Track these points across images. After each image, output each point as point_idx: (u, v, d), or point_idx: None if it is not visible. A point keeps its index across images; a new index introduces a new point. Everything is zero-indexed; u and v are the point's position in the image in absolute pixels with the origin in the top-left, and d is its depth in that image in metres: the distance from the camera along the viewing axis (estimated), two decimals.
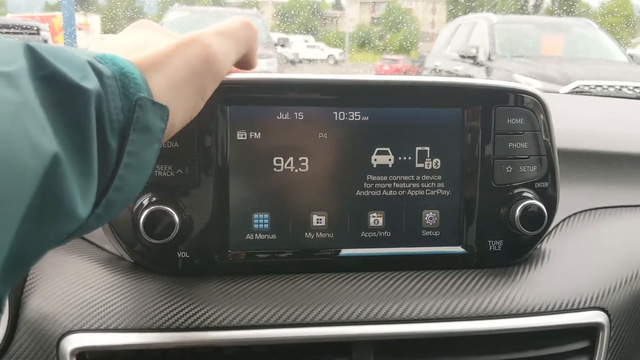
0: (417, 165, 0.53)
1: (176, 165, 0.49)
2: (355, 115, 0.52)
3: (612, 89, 3.69)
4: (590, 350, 0.53)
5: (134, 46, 0.38)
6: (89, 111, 0.29)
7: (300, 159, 0.51)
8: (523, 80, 3.94)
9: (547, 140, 0.54)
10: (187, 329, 0.46)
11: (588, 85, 3.72)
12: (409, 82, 0.53)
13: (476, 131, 0.53)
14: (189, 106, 0.39)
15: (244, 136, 0.50)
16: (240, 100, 0.50)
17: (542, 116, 0.54)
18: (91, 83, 0.29)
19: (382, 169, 0.53)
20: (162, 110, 0.34)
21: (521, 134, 0.53)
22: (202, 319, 0.46)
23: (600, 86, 3.70)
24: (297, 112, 0.51)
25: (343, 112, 0.51)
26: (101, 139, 0.30)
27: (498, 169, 0.53)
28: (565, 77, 3.86)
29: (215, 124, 0.49)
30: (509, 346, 0.52)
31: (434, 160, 0.53)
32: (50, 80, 0.28)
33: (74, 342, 0.45)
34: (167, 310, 0.47)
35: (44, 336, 0.46)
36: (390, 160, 0.53)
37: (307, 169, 0.51)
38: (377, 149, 0.52)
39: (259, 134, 0.50)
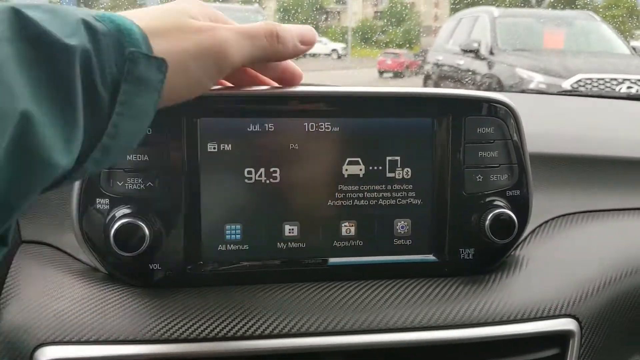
0: (388, 174, 0.53)
1: (147, 178, 0.49)
2: (326, 126, 0.52)
3: (614, 82, 3.66)
4: (561, 357, 0.53)
5: (159, 14, 0.39)
6: (71, 67, 0.31)
7: (271, 170, 0.52)
8: (525, 74, 3.92)
9: (519, 148, 0.54)
10: (159, 340, 0.47)
11: (590, 79, 3.70)
12: (379, 93, 0.53)
13: (446, 140, 0.53)
14: (193, 79, 0.40)
15: (214, 148, 0.51)
16: (210, 113, 0.50)
17: (513, 124, 0.54)
18: (77, 40, 0.32)
19: (353, 178, 0.53)
20: (158, 62, 0.36)
21: (492, 142, 0.54)
22: (172, 330, 0.47)
23: (603, 79, 3.68)
24: (268, 124, 0.51)
25: (313, 123, 0.52)
26: (90, 91, 0.32)
27: (468, 178, 0.54)
28: (567, 71, 3.83)
29: (185, 137, 0.50)
30: (479, 354, 0.52)
31: (405, 170, 0.54)
32: (32, 41, 0.30)
33: (47, 354, 0.46)
34: (140, 322, 0.48)
35: (18, 348, 0.46)
36: (361, 170, 0.53)
37: (278, 179, 0.52)
38: (348, 159, 0.53)
39: (230, 145, 0.51)
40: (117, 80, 0.34)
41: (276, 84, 0.52)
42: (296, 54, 0.47)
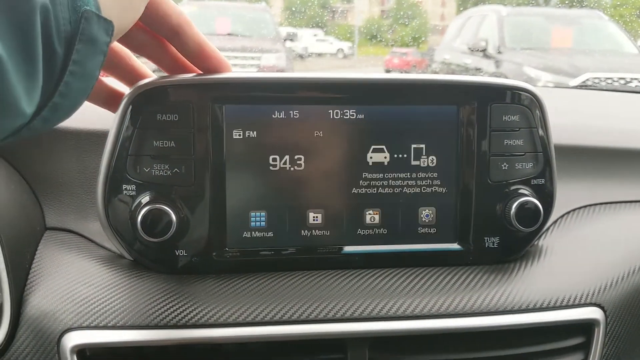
0: (413, 162, 0.53)
1: (173, 164, 0.49)
2: (351, 113, 0.52)
3: (622, 81, 3.65)
4: (586, 346, 0.53)
5: None
6: (33, 18, 0.31)
7: (296, 157, 0.52)
8: (533, 73, 3.91)
9: (544, 136, 0.54)
10: (185, 326, 0.47)
11: (598, 78, 3.68)
12: (404, 80, 0.53)
13: (472, 128, 0.53)
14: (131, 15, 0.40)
15: (240, 135, 0.51)
16: (235, 100, 0.50)
17: (538, 113, 0.54)
18: None
19: (378, 166, 0.53)
20: (107, 24, 0.36)
21: (517, 130, 0.54)
22: (199, 316, 0.47)
23: (611, 78, 3.66)
24: (293, 111, 0.51)
25: (338, 111, 0.52)
26: (48, 45, 0.32)
27: (494, 166, 0.53)
28: (575, 70, 3.81)
29: (211, 123, 0.50)
30: (504, 342, 0.52)
31: (430, 158, 0.53)
32: None
33: (74, 339, 0.46)
34: (166, 308, 0.48)
35: (45, 333, 0.47)
36: (385, 157, 0.53)
37: (303, 167, 0.52)
38: (372, 147, 0.53)
39: (255, 132, 0.51)
40: (70, 38, 0.34)
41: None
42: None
